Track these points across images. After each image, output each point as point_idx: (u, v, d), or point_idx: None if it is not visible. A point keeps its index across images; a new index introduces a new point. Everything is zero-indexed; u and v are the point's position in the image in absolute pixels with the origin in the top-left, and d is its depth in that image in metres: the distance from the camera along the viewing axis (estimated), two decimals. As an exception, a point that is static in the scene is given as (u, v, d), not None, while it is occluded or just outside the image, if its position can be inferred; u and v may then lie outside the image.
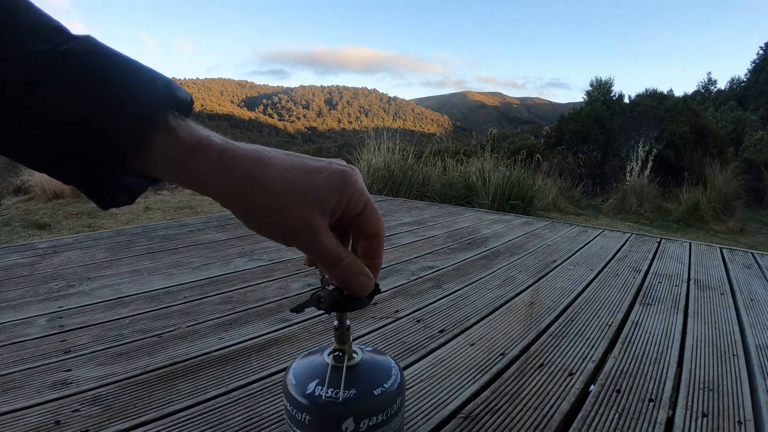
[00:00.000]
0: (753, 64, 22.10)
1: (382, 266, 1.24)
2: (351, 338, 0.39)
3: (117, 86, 0.22)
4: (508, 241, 1.64)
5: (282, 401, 0.58)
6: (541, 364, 0.72)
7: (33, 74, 0.21)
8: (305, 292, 1.03)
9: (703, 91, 22.57)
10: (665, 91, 12.23)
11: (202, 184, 0.25)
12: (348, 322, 0.38)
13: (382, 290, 0.41)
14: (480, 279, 1.17)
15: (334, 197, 0.27)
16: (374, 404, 0.36)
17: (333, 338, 0.38)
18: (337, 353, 0.38)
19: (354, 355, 0.39)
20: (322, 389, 0.36)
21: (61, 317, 0.86)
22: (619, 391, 0.65)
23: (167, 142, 0.24)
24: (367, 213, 0.30)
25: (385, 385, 0.37)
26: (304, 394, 0.36)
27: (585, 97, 11.78)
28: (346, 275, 0.29)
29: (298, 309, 0.35)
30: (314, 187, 0.27)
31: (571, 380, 0.67)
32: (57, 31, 0.22)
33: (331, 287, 0.36)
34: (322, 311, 0.35)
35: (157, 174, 0.25)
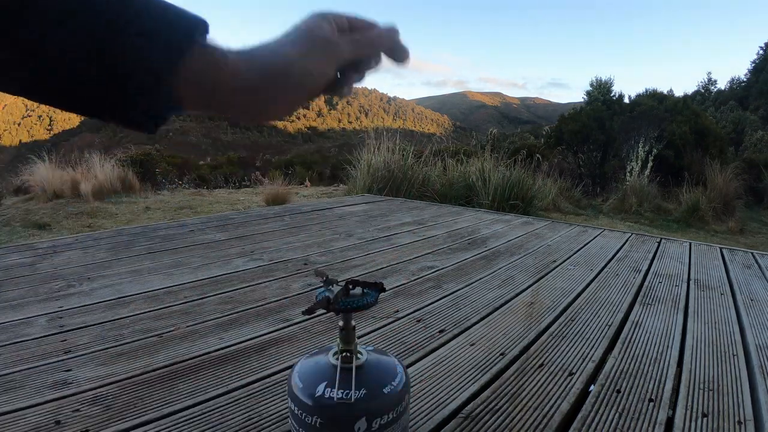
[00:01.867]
0: (753, 64, 22.10)
1: (383, 266, 1.25)
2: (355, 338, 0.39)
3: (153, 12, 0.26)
4: (508, 241, 1.64)
5: (285, 402, 0.59)
6: (541, 364, 0.72)
7: None
8: (305, 292, 1.03)
9: (703, 91, 22.55)
10: (665, 91, 12.23)
11: (240, 73, 0.29)
12: (353, 323, 0.38)
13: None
14: (480, 279, 1.17)
15: (324, 23, 0.33)
16: (384, 403, 0.36)
17: (338, 339, 0.38)
18: (345, 354, 0.38)
19: (359, 355, 0.39)
20: (332, 391, 0.36)
21: (61, 317, 0.86)
22: (619, 391, 0.65)
23: (203, 51, 0.28)
24: (353, 20, 0.35)
25: (392, 383, 0.37)
26: (313, 396, 0.36)
27: (585, 97, 11.78)
28: (391, 33, 0.34)
29: (310, 311, 0.35)
30: (309, 27, 0.32)
31: (571, 380, 0.67)
32: None
33: (337, 287, 0.36)
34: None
35: (192, 87, 0.28)
